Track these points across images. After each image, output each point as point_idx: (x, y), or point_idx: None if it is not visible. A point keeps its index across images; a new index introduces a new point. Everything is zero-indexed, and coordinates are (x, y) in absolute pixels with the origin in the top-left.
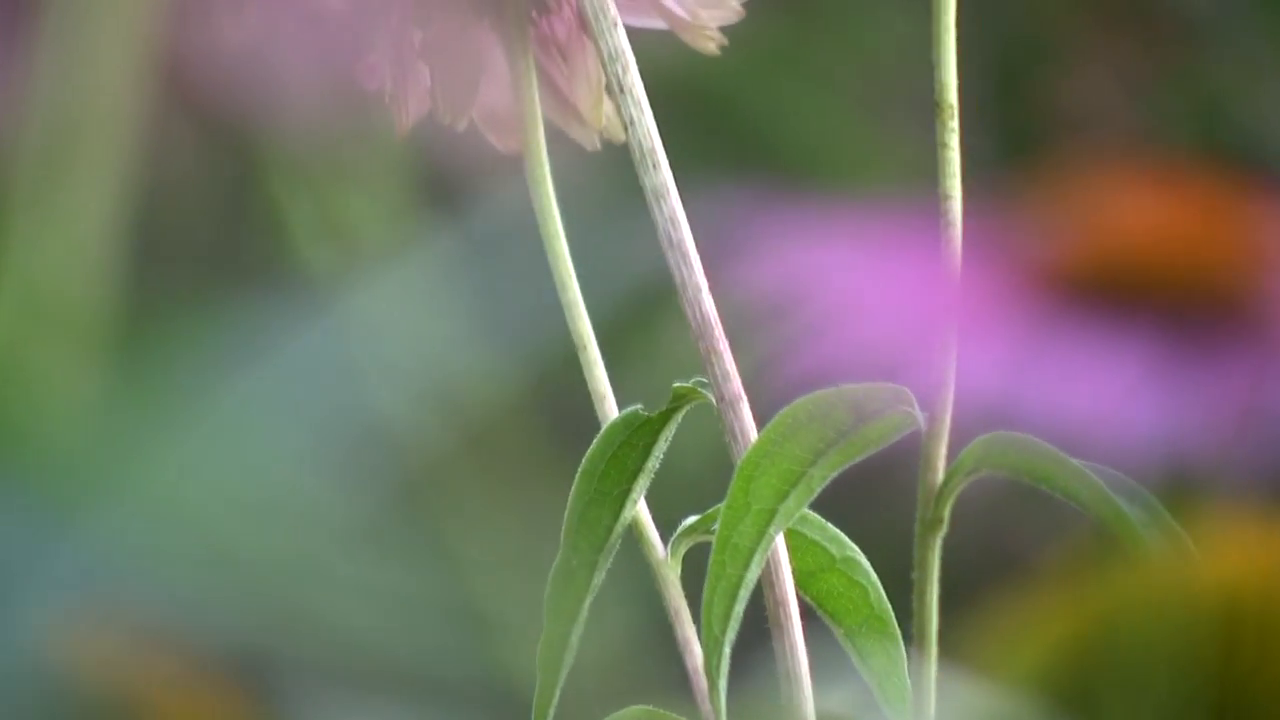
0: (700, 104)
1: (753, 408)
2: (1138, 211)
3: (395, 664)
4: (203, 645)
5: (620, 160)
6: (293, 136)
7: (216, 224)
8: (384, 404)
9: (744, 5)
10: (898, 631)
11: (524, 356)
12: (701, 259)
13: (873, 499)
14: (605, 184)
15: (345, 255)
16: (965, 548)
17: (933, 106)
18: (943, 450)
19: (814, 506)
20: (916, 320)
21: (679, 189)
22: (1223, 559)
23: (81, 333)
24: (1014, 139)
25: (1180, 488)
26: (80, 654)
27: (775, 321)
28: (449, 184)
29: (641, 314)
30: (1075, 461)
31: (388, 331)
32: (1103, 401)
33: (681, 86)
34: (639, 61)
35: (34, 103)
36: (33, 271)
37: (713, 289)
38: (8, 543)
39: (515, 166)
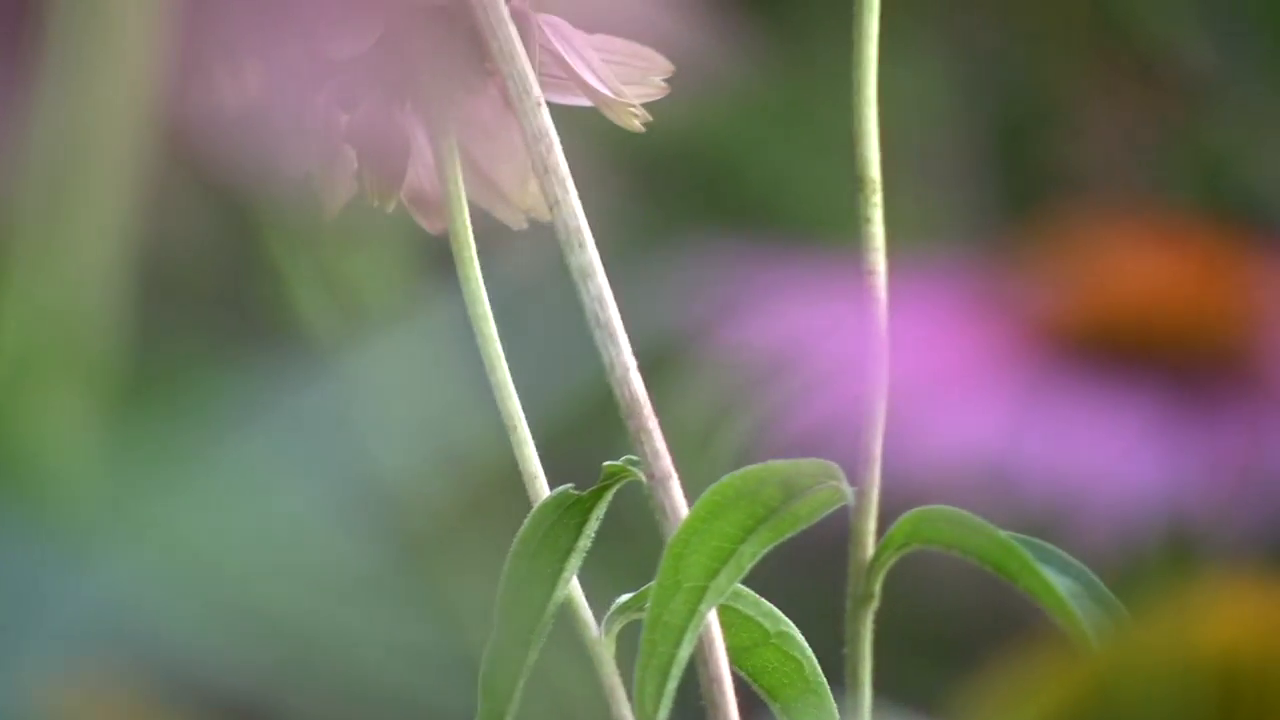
0: (699, 165)
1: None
2: (1139, 268)
3: (399, 717)
4: (200, 696)
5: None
6: (291, 195)
7: (217, 278)
8: (386, 455)
9: (666, 82)
10: (834, 705)
11: (531, 412)
12: (700, 318)
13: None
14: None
15: (346, 311)
16: (962, 610)
17: (855, 181)
18: (871, 526)
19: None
20: (914, 379)
21: (678, 248)
22: (1222, 619)
23: (85, 380)
24: (1016, 195)
25: (1180, 546)
26: (71, 706)
27: (774, 381)
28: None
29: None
30: (1004, 535)
31: (391, 384)
32: (1103, 459)
33: (680, 148)
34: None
35: (34, 156)
36: (35, 320)
37: (711, 349)
38: (20, 580)
39: (525, 229)
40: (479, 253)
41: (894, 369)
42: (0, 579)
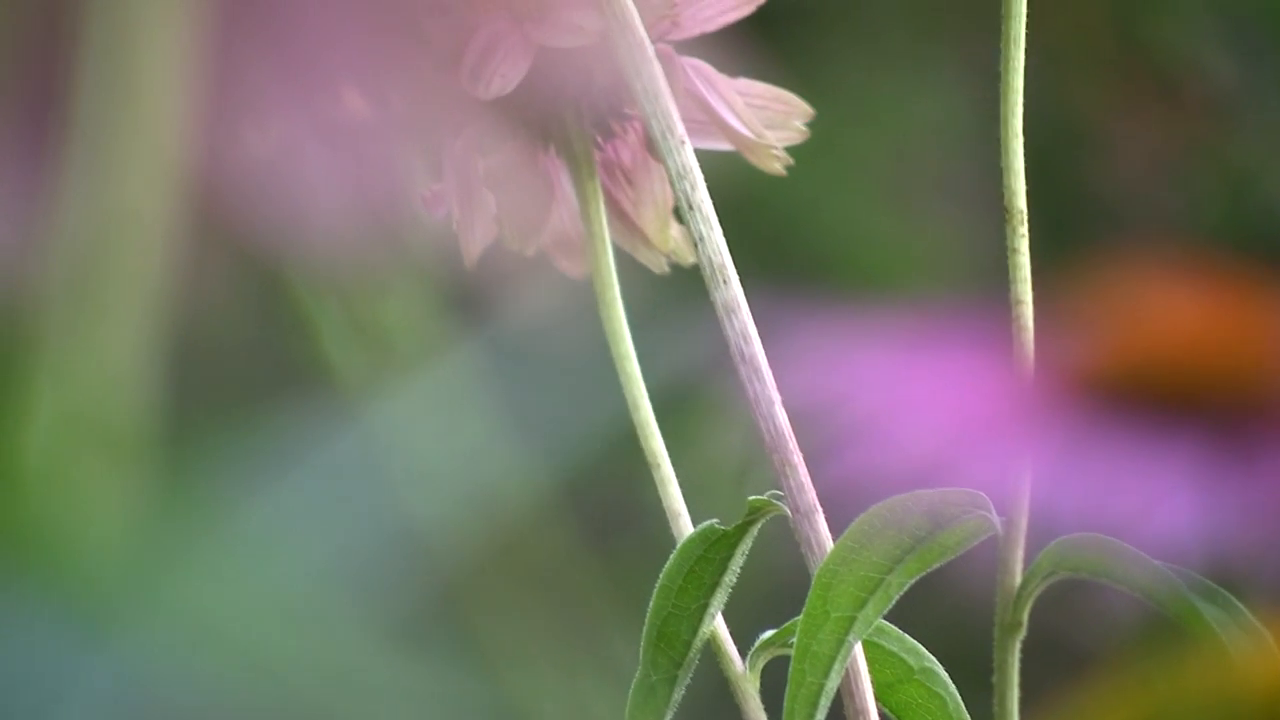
0: (733, 203)
1: None
2: (1177, 311)
3: None
4: None
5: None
6: (321, 249)
7: (249, 339)
8: (417, 508)
9: (808, 126)
10: None
11: (555, 461)
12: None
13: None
14: (661, 300)
15: (376, 364)
16: (1024, 644)
17: (1002, 211)
18: (1019, 554)
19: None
20: (959, 422)
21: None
22: (1262, 658)
23: (119, 451)
24: (1044, 217)
25: (1220, 586)
26: None
27: (814, 426)
28: (477, 292)
29: (693, 426)
30: (1153, 561)
31: (419, 436)
32: (1142, 502)
33: (714, 187)
34: None
35: (65, 225)
36: (68, 391)
37: (739, 396)
38: (43, 659)
39: (541, 271)
40: (492, 297)
41: (935, 414)
42: (25, 659)
